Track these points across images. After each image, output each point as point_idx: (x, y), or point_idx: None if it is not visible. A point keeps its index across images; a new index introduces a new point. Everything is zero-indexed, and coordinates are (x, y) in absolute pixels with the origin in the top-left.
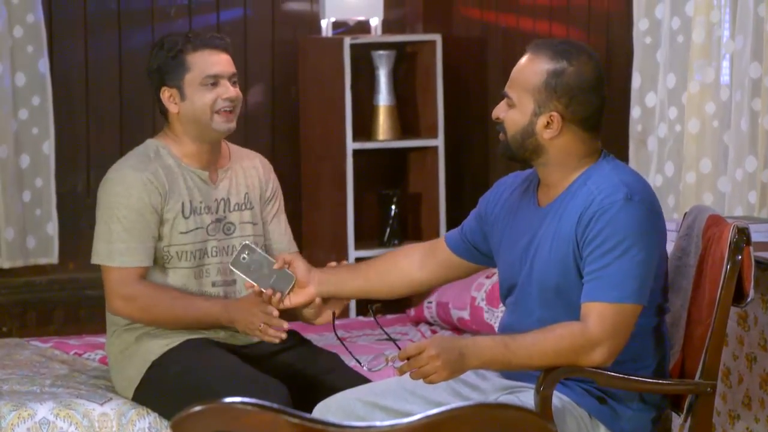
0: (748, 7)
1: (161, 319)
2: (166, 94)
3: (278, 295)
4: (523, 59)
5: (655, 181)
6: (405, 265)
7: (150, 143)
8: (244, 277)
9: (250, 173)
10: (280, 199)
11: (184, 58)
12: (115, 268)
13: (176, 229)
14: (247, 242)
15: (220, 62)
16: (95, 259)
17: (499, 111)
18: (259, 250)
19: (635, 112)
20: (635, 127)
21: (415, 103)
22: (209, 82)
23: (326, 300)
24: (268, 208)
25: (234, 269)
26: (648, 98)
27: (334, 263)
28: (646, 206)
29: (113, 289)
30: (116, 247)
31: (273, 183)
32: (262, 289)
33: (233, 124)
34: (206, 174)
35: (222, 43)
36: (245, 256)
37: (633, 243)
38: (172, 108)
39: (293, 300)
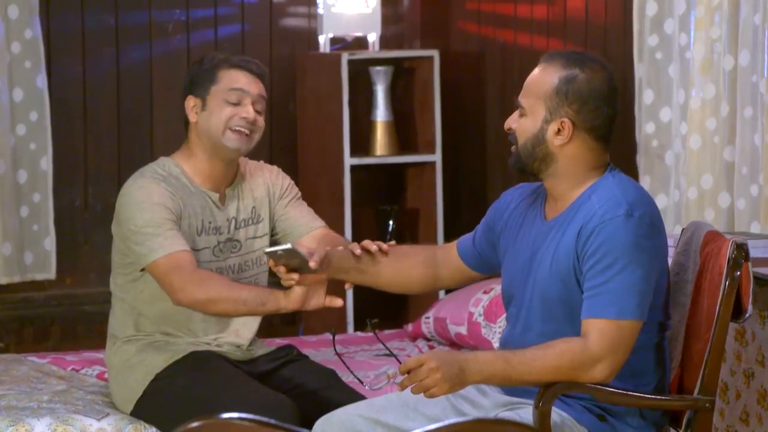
0: (754, 23)
1: (219, 296)
2: (190, 103)
3: (294, 276)
4: (537, 69)
5: (674, 196)
6: (420, 274)
7: (163, 161)
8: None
9: (258, 183)
10: (294, 191)
11: (216, 72)
12: (160, 259)
13: (190, 245)
14: (290, 245)
15: (248, 83)
16: (143, 263)
17: (511, 121)
18: (300, 252)
19: (648, 127)
20: (650, 143)
21: (412, 119)
22: (232, 98)
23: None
24: (282, 202)
25: (267, 255)
26: (663, 113)
27: (358, 250)
28: (647, 222)
29: (168, 281)
30: (156, 242)
31: (283, 181)
32: (282, 269)
33: (245, 146)
34: (216, 196)
35: (257, 68)
36: (282, 252)
37: (632, 259)
38: (192, 117)
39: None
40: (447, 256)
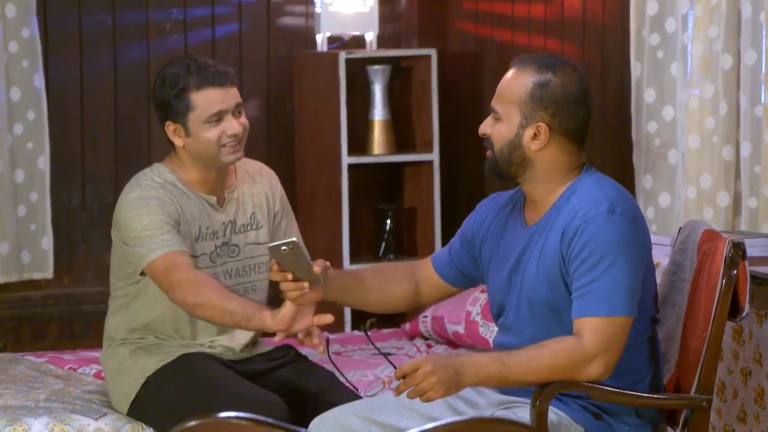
0: (760, 21)
1: (209, 302)
2: (171, 128)
3: (304, 285)
4: (509, 74)
5: (679, 195)
6: (401, 290)
7: (158, 167)
8: (274, 261)
9: (258, 189)
10: (287, 210)
11: (188, 97)
12: (158, 259)
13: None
14: (295, 239)
15: (223, 99)
16: (143, 264)
17: (486, 126)
18: (305, 252)
19: (650, 126)
20: (651, 142)
21: (410, 118)
22: (213, 119)
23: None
24: (277, 221)
25: (271, 253)
26: (665, 112)
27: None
28: (629, 218)
29: (166, 279)
30: (154, 243)
31: (280, 197)
32: (289, 277)
33: (240, 154)
34: (213, 199)
35: (225, 79)
36: (286, 248)
37: (618, 256)
38: (178, 142)
39: (303, 299)
40: (423, 273)
